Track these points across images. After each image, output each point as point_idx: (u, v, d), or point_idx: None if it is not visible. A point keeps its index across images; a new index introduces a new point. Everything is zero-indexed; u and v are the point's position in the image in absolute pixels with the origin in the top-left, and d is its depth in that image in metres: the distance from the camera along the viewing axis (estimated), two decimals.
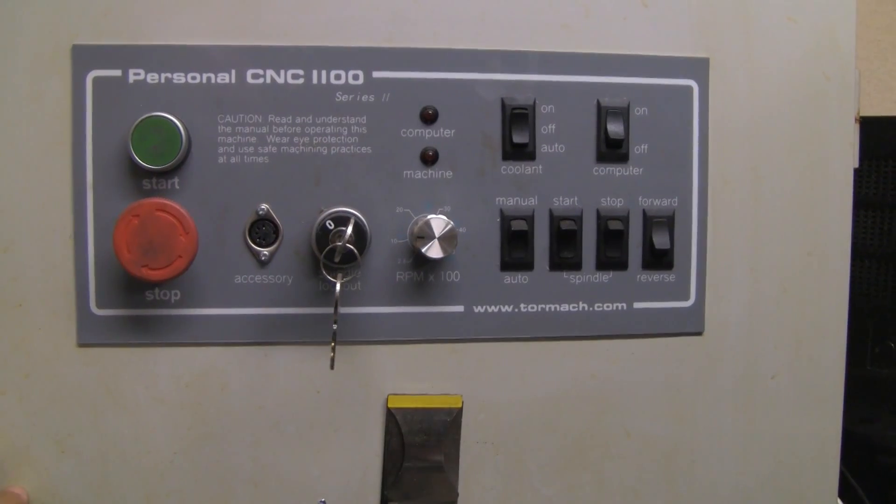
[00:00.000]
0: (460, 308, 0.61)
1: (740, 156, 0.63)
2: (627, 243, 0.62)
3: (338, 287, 0.56)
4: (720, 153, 0.63)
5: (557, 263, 0.62)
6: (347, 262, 0.57)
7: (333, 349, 0.56)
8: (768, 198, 0.64)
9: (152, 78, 0.58)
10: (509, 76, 0.61)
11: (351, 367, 0.61)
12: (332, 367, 0.56)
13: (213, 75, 0.59)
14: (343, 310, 0.59)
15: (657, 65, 0.62)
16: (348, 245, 0.56)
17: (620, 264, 0.62)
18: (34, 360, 0.59)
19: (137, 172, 0.58)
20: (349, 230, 0.56)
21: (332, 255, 0.56)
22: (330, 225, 0.57)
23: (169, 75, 0.58)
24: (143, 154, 0.57)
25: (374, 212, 0.60)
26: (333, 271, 0.58)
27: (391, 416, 0.61)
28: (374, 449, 0.62)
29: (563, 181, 0.61)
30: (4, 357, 0.59)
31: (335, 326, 0.56)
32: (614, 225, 0.61)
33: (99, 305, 0.59)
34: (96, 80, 0.58)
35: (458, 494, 0.62)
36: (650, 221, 0.62)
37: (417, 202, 0.60)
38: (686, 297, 0.63)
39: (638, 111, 0.62)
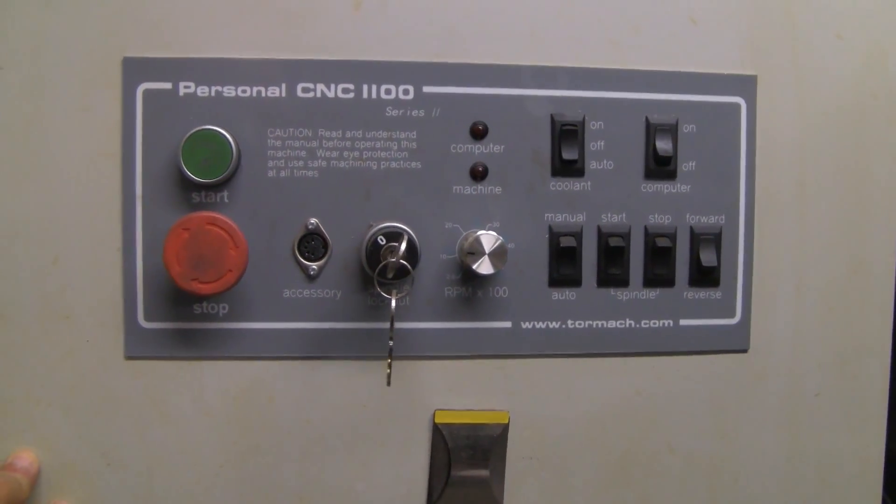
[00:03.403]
0: (508, 324, 0.61)
1: (787, 173, 0.63)
2: (675, 260, 0.62)
3: (393, 303, 0.56)
4: (767, 170, 0.63)
5: (605, 280, 0.62)
6: (399, 277, 0.57)
7: (390, 365, 0.56)
8: (814, 215, 0.64)
9: (202, 91, 0.58)
10: (559, 92, 0.61)
11: (398, 382, 0.60)
12: (388, 383, 0.56)
13: (263, 89, 0.59)
14: None
15: (705, 82, 0.62)
16: (402, 261, 0.56)
17: (667, 281, 0.62)
18: (81, 372, 0.59)
19: (186, 185, 0.58)
20: (402, 246, 0.56)
21: (384, 271, 0.56)
22: (382, 240, 0.57)
23: (219, 88, 0.58)
24: (194, 167, 0.57)
25: (424, 227, 0.60)
26: (387, 287, 0.57)
27: (438, 431, 0.61)
28: (420, 464, 0.62)
29: (612, 197, 0.61)
30: (52, 369, 0.59)
31: (391, 343, 0.56)
32: (662, 242, 0.61)
33: (147, 318, 0.59)
34: (147, 93, 0.58)
35: None
36: (697, 238, 0.62)
37: (467, 218, 0.60)
38: (732, 315, 0.63)
39: (686, 128, 0.62)
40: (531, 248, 0.61)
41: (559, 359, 0.62)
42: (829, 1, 0.63)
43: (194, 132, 0.57)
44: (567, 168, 0.61)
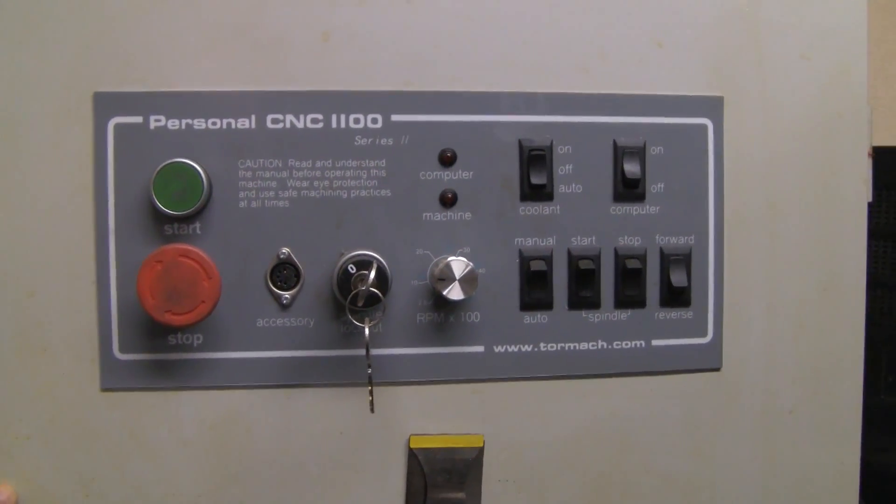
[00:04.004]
0: (481, 348, 0.62)
1: (756, 193, 0.64)
2: (645, 281, 0.63)
3: (367, 331, 0.57)
4: (736, 190, 0.63)
5: (576, 302, 0.62)
6: (371, 305, 0.57)
7: (371, 392, 0.56)
8: (784, 234, 0.64)
9: (173, 124, 0.59)
10: (526, 118, 0.61)
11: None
12: (371, 410, 0.57)
13: (233, 121, 0.59)
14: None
15: (672, 104, 0.63)
16: (372, 289, 0.56)
17: (638, 302, 0.63)
18: (59, 405, 0.59)
19: (159, 218, 0.59)
20: (372, 274, 0.57)
21: (355, 299, 0.57)
22: (352, 269, 0.58)
23: (190, 121, 0.59)
24: (166, 200, 0.57)
25: (395, 254, 0.60)
26: (358, 315, 0.58)
27: (413, 456, 0.62)
28: (396, 489, 0.62)
29: (581, 221, 0.62)
30: (29, 402, 0.59)
31: (370, 371, 0.56)
32: (632, 263, 0.62)
33: (122, 350, 0.59)
34: (118, 127, 0.58)
35: None
36: (667, 259, 0.63)
37: (437, 244, 0.61)
38: (704, 334, 0.64)
39: (654, 150, 0.62)
40: (502, 272, 0.61)
41: (532, 381, 0.62)
42: (793, 22, 0.63)
43: (166, 165, 0.57)
44: (536, 193, 0.61)
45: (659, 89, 0.62)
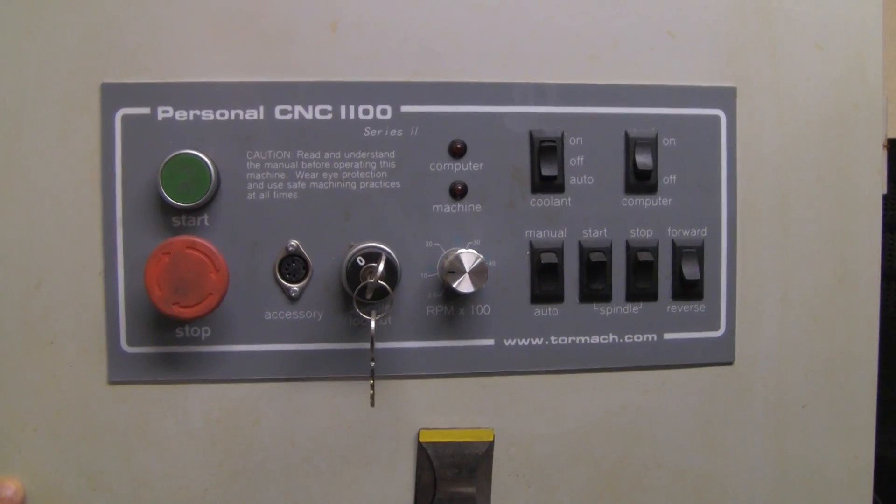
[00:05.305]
0: (491, 342, 0.61)
1: (769, 184, 0.63)
2: (657, 274, 0.62)
3: (372, 324, 0.56)
4: (749, 182, 0.63)
5: (587, 295, 0.61)
6: (379, 298, 0.57)
7: (372, 387, 0.56)
8: (797, 226, 0.63)
9: (181, 115, 0.58)
10: (537, 108, 0.61)
11: (382, 402, 0.60)
12: (372, 404, 0.56)
13: (241, 112, 0.59)
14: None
15: (684, 95, 0.62)
16: (380, 282, 0.56)
17: (650, 295, 0.62)
18: (65, 397, 0.59)
19: (167, 209, 0.58)
20: (381, 267, 0.56)
21: (363, 292, 0.56)
22: (361, 261, 0.57)
23: (197, 112, 0.58)
24: (173, 191, 0.57)
25: (404, 246, 0.60)
26: (366, 308, 0.58)
27: (423, 450, 0.61)
28: (405, 483, 0.62)
29: (592, 213, 0.61)
30: (36, 394, 0.59)
31: (373, 364, 0.56)
32: (644, 256, 0.61)
33: (129, 343, 0.59)
34: (125, 118, 0.58)
35: None
36: (679, 252, 0.62)
37: (447, 236, 0.60)
38: (716, 328, 0.63)
39: (666, 141, 0.62)
40: (512, 265, 0.61)
41: (543, 375, 0.62)
42: (807, 12, 0.63)
43: (173, 156, 0.57)
44: (547, 184, 0.61)
45: (671, 80, 0.62)
